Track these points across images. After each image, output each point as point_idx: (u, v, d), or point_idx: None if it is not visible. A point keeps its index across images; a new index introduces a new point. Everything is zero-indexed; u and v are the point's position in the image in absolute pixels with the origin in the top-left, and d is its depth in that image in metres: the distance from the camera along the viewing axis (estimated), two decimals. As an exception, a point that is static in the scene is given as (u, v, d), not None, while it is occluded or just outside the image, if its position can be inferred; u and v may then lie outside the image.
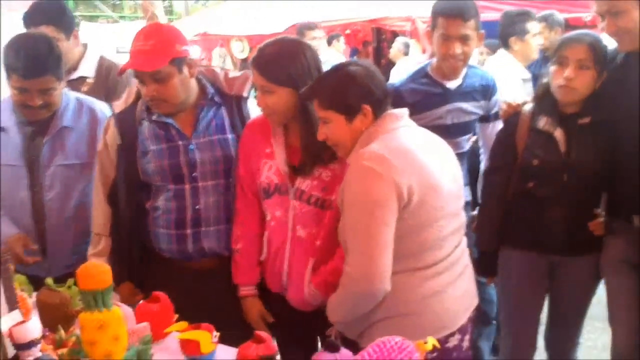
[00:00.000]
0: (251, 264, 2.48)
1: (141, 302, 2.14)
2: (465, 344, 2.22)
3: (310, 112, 2.27)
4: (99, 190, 2.61)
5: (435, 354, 1.69)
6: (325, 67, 2.36)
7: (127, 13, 22.29)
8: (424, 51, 9.22)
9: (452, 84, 2.97)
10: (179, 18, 17.31)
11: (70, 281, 2.07)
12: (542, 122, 2.69)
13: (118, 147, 2.53)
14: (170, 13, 22.21)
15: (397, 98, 2.74)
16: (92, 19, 19.31)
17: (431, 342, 1.56)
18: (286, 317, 2.47)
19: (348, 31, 10.76)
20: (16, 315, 1.49)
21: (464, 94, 3.01)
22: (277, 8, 10.48)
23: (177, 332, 1.93)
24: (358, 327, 2.16)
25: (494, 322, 3.62)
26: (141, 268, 2.61)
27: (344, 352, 1.65)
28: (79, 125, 2.75)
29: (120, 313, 1.67)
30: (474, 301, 2.27)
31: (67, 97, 2.77)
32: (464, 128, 3.07)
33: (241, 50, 11.22)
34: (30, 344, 1.46)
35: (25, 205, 2.72)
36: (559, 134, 2.66)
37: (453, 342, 2.14)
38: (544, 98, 2.72)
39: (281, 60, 2.29)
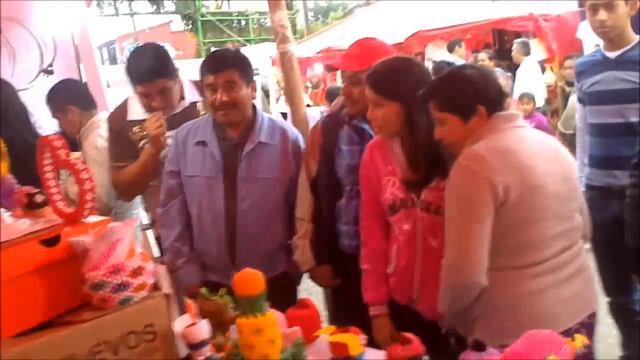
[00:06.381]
0: (379, 282, 2.52)
1: (290, 308, 2.23)
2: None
3: (416, 125, 2.32)
4: (304, 180, 2.85)
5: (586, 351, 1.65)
6: None
7: (253, 36, 23.03)
8: (548, 49, 8.92)
9: (611, 54, 3.13)
10: (301, 37, 17.72)
11: (222, 290, 2.20)
12: None
13: (321, 145, 2.80)
14: (294, 32, 22.75)
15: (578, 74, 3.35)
16: (220, 44, 20.14)
17: (580, 339, 1.55)
18: (412, 329, 2.47)
19: (469, 35, 10.64)
20: (186, 318, 1.61)
21: (623, 62, 3.10)
22: (397, 19, 10.54)
23: (326, 335, 2.01)
24: (463, 321, 2.20)
25: None
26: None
27: (491, 351, 1.64)
28: (273, 142, 2.87)
29: (274, 317, 1.76)
30: (588, 306, 2.19)
31: (262, 116, 2.90)
32: (624, 96, 3.09)
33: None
34: (202, 344, 1.57)
35: (219, 215, 2.82)
36: None
37: None
38: None
39: (391, 75, 2.36)
